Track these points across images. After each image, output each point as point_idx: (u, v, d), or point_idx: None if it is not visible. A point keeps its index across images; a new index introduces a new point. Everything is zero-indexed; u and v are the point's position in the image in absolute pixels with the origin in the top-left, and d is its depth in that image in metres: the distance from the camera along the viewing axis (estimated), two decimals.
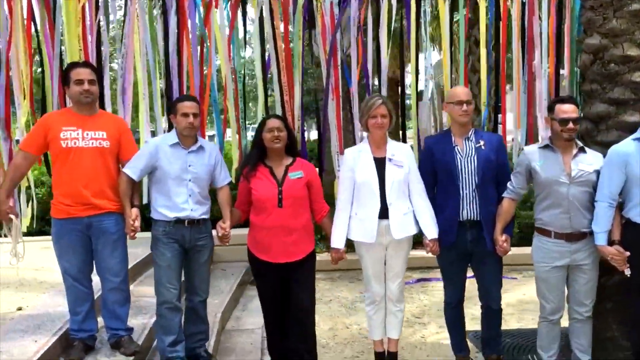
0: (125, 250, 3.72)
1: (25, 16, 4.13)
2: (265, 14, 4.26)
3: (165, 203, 3.62)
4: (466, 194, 3.64)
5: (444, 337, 4.33)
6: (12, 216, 3.63)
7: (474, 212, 3.65)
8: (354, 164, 3.71)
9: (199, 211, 3.66)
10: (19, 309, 4.29)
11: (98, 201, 3.56)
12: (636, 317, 3.48)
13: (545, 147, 3.59)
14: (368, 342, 4.31)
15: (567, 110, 3.49)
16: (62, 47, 4.18)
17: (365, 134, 3.87)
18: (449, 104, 3.71)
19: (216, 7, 4.23)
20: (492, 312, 3.85)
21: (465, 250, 3.72)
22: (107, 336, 3.74)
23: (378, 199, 3.65)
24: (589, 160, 3.54)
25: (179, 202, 3.61)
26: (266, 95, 4.43)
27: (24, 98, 4.19)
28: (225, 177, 3.82)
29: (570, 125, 3.47)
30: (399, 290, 3.84)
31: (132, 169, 3.61)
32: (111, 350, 3.69)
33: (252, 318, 5.15)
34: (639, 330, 3.49)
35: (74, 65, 3.68)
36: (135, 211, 3.59)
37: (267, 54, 4.37)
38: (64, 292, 3.71)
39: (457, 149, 3.68)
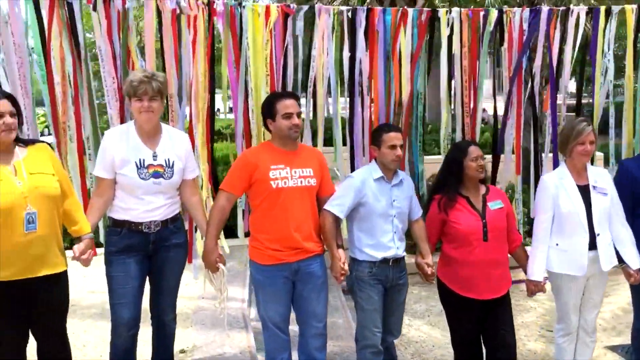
0: (328, 294, 3.51)
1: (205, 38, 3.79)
2: (456, 29, 4.03)
3: (369, 242, 3.40)
4: None
5: None
6: (220, 265, 3.35)
7: None
8: (556, 192, 3.53)
9: (402, 249, 3.48)
10: (182, 351, 4.10)
11: (307, 244, 3.31)
12: None
13: None
14: None
15: None
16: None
17: None
18: None
19: (404, 25, 3.97)
20: None
21: None
22: None
23: (586, 230, 3.48)
24: None
25: (384, 240, 3.40)
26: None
27: (201, 125, 3.88)
28: (419, 208, 3.63)
29: None
30: (595, 320, 3.74)
31: (339, 207, 3.36)
32: None
33: None
34: None
35: (279, 96, 3.37)
36: (342, 253, 3.38)
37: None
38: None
39: None
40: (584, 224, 3.42)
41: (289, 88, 3.92)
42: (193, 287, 4.87)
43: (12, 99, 2.85)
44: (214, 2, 3.70)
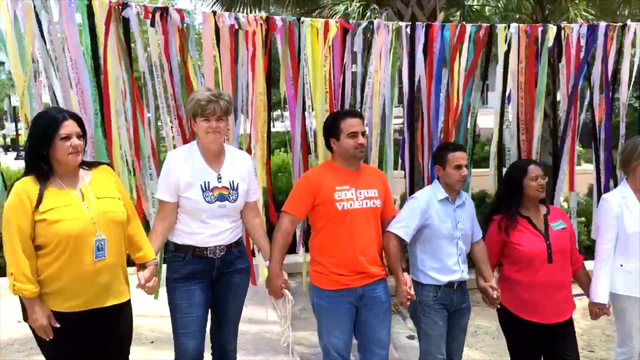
0: (390, 320, 3.38)
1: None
2: (514, 48, 3.95)
3: (434, 265, 3.30)
4: None
5: None
6: (285, 291, 3.19)
7: None
8: (620, 212, 3.43)
9: (466, 272, 3.37)
10: None
11: (372, 268, 3.19)
12: None
13: None
14: None
15: None
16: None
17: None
18: None
19: (461, 40, 3.89)
20: None
21: None
22: None
23: None
24: None
25: (450, 263, 3.30)
26: (500, 132, 4.13)
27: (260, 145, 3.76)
28: (479, 230, 3.52)
29: None
30: None
31: (404, 229, 3.24)
32: None
33: None
34: None
35: (343, 114, 3.25)
36: (408, 277, 3.25)
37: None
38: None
39: None
40: None
41: (347, 106, 3.82)
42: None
43: (78, 119, 2.72)
44: (272, 18, 3.60)
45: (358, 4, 8.35)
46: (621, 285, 3.41)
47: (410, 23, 3.81)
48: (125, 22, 3.40)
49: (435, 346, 3.33)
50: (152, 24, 3.43)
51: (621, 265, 3.40)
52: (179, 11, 3.44)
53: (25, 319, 2.72)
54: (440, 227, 3.28)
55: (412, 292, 3.21)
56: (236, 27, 3.54)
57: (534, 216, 3.39)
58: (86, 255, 2.63)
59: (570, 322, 3.41)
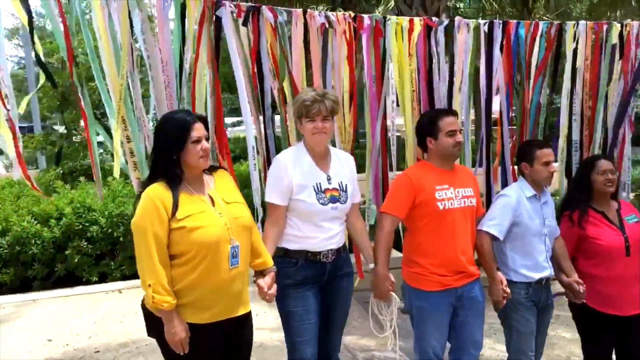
0: None
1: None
2: (581, 45, 4.05)
3: (526, 263, 3.32)
4: None
5: None
6: (392, 293, 3.13)
7: None
8: None
9: (552, 269, 3.40)
10: None
11: (471, 268, 3.19)
12: None
13: None
14: None
15: None
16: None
17: None
18: None
19: (535, 36, 3.96)
20: None
21: None
22: None
23: None
24: None
25: (540, 260, 3.32)
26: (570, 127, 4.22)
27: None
28: (557, 227, 3.54)
29: None
30: None
31: (498, 227, 3.26)
32: None
33: None
34: None
35: (442, 113, 3.24)
36: (502, 275, 3.27)
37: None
38: None
39: None
40: None
41: (437, 104, 3.82)
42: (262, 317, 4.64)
43: (205, 122, 2.61)
44: (360, 16, 3.56)
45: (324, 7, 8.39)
46: None
47: (488, 21, 3.84)
48: (217, 21, 3.29)
49: (526, 343, 3.34)
50: (245, 23, 3.34)
51: None
52: (272, 9, 3.36)
53: (152, 334, 2.59)
54: (530, 225, 3.30)
55: (508, 290, 3.22)
56: (326, 25, 3.49)
57: (607, 210, 3.45)
58: (223, 263, 2.52)
59: None
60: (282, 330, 3.09)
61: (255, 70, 3.46)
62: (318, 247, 2.97)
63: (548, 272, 3.34)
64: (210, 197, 2.59)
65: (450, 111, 3.35)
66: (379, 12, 8.03)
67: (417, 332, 3.24)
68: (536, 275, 3.31)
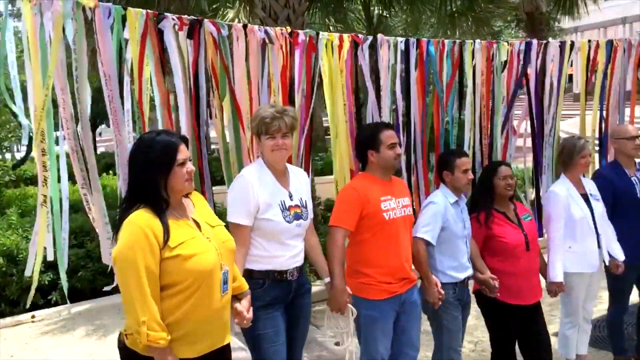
0: None
1: None
2: (478, 62, 4.48)
3: (452, 264, 3.53)
4: None
5: None
6: (350, 306, 3.14)
7: None
8: (567, 202, 3.91)
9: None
10: None
11: (412, 274, 3.33)
12: None
13: None
14: None
15: None
16: None
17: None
18: (619, 139, 4.26)
19: (442, 54, 4.31)
20: None
21: None
22: None
23: (594, 232, 3.92)
24: None
25: (464, 261, 3.56)
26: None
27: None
28: None
29: None
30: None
31: (431, 233, 3.43)
32: None
33: None
34: None
35: (381, 126, 3.36)
36: (436, 279, 3.43)
37: None
38: None
39: (634, 179, 4.18)
40: (592, 227, 3.91)
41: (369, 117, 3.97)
42: None
43: (186, 142, 2.49)
44: (296, 32, 3.59)
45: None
46: (571, 264, 3.89)
47: (404, 39, 4.09)
48: (160, 34, 3.12)
49: (455, 340, 3.57)
50: (190, 36, 3.19)
51: (570, 247, 3.90)
52: (214, 23, 3.26)
53: None
54: (455, 229, 3.51)
55: (443, 292, 3.40)
56: (266, 41, 3.47)
57: (507, 211, 3.74)
58: (215, 291, 2.40)
59: (540, 302, 3.79)
60: (245, 351, 3.03)
61: (193, 85, 3.32)
62: (284, 266, 2.95)
63: (470, 271, 3.59)
64: (195, 222, 2.45)
65: (389, 125, 3.49)
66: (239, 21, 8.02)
67: (364, 341, 3.31)
68: (461, 276, 3.54)
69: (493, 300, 3.66)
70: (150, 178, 2.32)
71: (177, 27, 3.16)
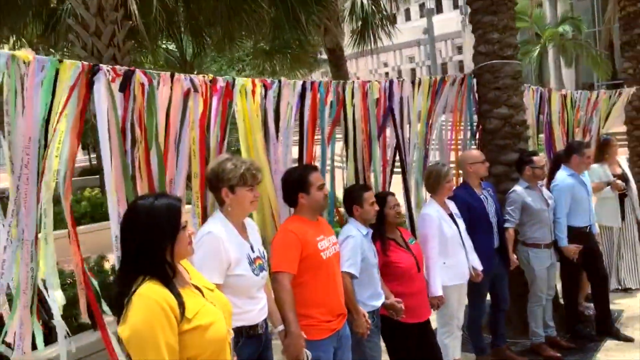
0: None
1: None
2: (357, 100, 4.87)
3: (370, 293, 3.70)
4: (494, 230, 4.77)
5: None
6: (306, 350, 3.16)
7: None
8: (439, 222, 4.28)
9: None
10: None
11: (344, 308, 3.45)
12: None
13: (527, 187, 5.10)
14: None
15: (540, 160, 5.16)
16: None
17: None
18: (475, 164, 4.84)
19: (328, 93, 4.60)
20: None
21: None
22: None
23: (462, 247, 4.39)
24: (548, 194, 5.28)
25: (378, 289, 3.75)
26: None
27: None
28: None
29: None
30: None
31: (355, 266, 3.57)
32: None
33: None
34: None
35: (309, 169, 3.51)
36: (363, 310, 3.60)
37: None
38: None
39: (482, 196, 4.82)
40: (461, 242, 4.38)
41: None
42: None
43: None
44: (215, 78, 3.60)
45: None
46: (447, 278, 4.28)
47: (302, 81, 4.32)
48: (89, 86, 2.91)
49: None
50: (122, 89, 3.03)
51: (444, 263, 4.30)
52: (145, 73, 3.13)
53: None
54: (370, 258, 3.71)
55: (370, 321, 3.56)
56: (192, 90, 3.42)
57: (396, 237, 4.05)
58: (227, 357, 2.33)
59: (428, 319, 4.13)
60: None
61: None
62: (255, 320, 2.95)
63: (383, 298, 3.78)
64: (197, 287, 2.34)
65: (315, 167, 3.63)
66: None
67: None
68: (378, 303, 3.71)
69: (392, 323, 3.87)
70: (155, 246, 2.18)
71: (110, 79, 2.98)
